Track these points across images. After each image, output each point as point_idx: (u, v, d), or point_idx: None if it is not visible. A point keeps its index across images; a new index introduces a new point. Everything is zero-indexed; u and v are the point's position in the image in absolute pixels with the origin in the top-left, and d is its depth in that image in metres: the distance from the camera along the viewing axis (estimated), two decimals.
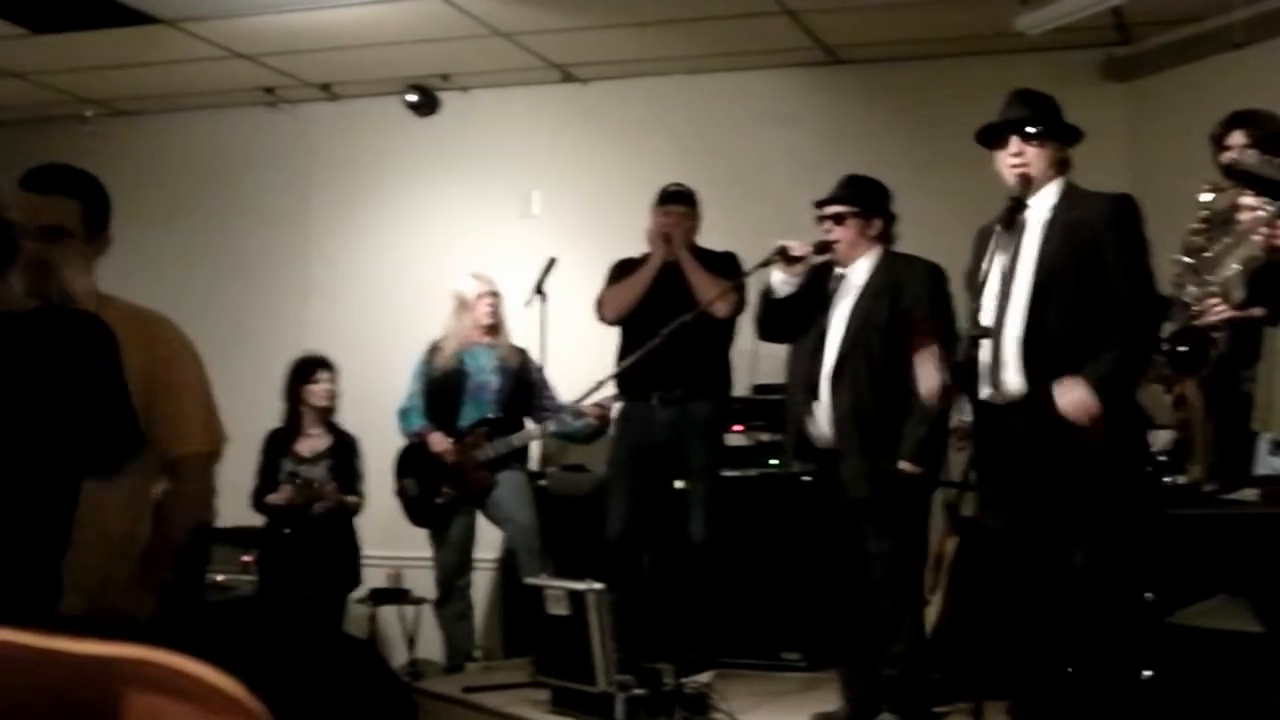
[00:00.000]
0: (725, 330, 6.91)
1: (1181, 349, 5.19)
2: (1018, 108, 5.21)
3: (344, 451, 8.04)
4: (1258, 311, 4.80)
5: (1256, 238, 4.53)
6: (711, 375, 6.94)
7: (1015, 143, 5.12)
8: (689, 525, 6.85)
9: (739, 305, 6.69)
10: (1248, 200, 4.59)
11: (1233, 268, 4.57)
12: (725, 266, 6.93)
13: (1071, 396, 4.82)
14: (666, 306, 6.65)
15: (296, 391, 8.04)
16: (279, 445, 7.99)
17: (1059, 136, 5.17)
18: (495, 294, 7.82)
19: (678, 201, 7.14)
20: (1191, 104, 7.30)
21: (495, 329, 7.79)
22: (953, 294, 5.92)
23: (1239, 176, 4.23)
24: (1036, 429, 4.92)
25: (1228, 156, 4.22)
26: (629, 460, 7.08)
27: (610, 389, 6.79)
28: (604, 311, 7.16)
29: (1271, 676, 4.72)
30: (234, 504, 7.36)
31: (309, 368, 8.05)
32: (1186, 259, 4.66)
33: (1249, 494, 4.96)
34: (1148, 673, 5.24)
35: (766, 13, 7.89)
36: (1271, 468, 4.77)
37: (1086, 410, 4.80)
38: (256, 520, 7.91)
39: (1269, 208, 4.43)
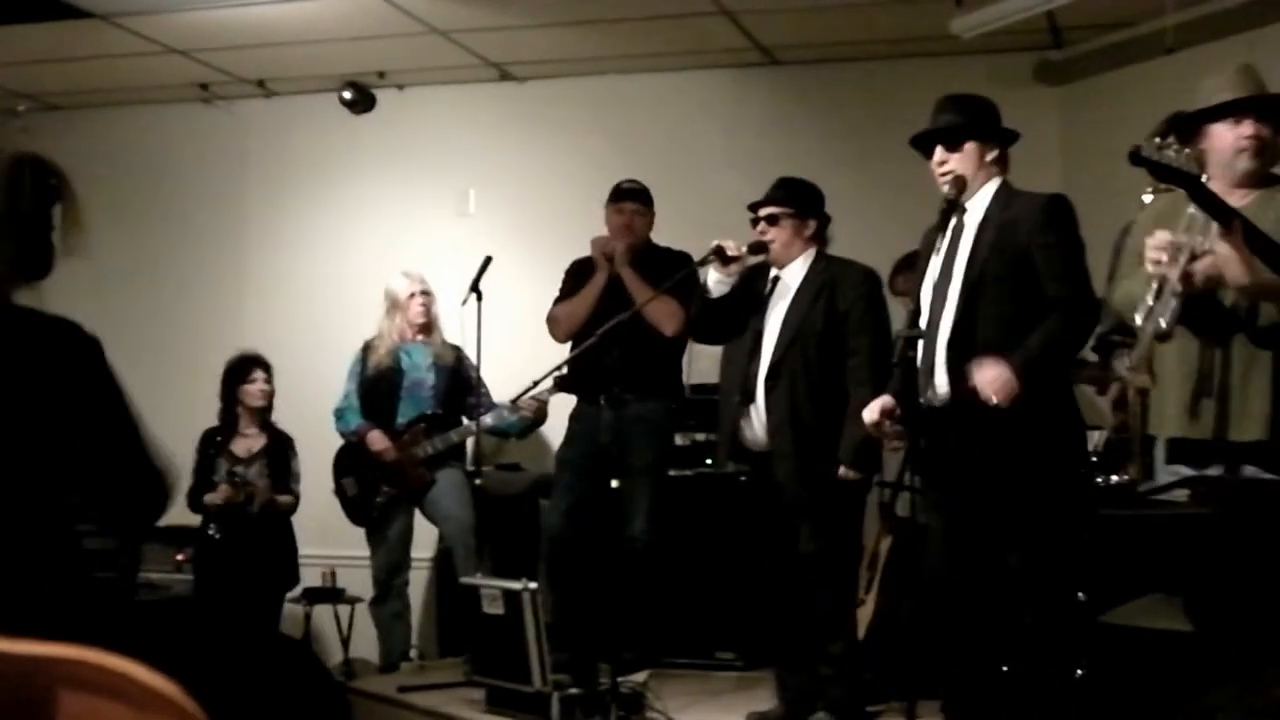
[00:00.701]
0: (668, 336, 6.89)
1: (1115, 343, 5.25)
2: (940, 115, 5.25)
3: (279, 451, 8.00)
4: None
5: (1171, 274, 4.57)
6: (660, 377, 6.92)
7: (939, 151, 5.15)
8: (632, 526, 6.84)
9: (685, 321, 6.61)
10: (1150, 243, 4.61)
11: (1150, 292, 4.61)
12: (680, 268, 6.93)
13: (988, 374, 4.78)
14: (615, 312, 6.67)
15: (232, 391, 8.00)
16: (214, 445, 7.94)
17: (987, 138, 5.19)
18: (427, 292, 7.80)
19: (631, 199, 7.13)
20: (1124, 107, 7.37)
21: (428, 327, 7.77)
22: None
23: (1141, 164, 4.28)
24: (970, 430, 4.95)
25: (1137, 148, 4.26)
26: (575, 460, 7.08)
27: (547, 385, 6.79)
28: (556, 331, 7.13)
29: (1201, 675, 4.76)
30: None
31: (245, 367, 8.01)
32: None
33: (1180, 494, 5.00)
34: (1080, 671, 5.28)
35: (703, 13, 7.90)
36: (1171, 473, 4.81)
37: (1003, 388, 4.77)
38: (191, 519, 7.86)
39: (1165, 253, 4.46)
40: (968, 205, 5.12)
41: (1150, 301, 4.41)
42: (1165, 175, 4.29)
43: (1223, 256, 4.13)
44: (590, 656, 6.33)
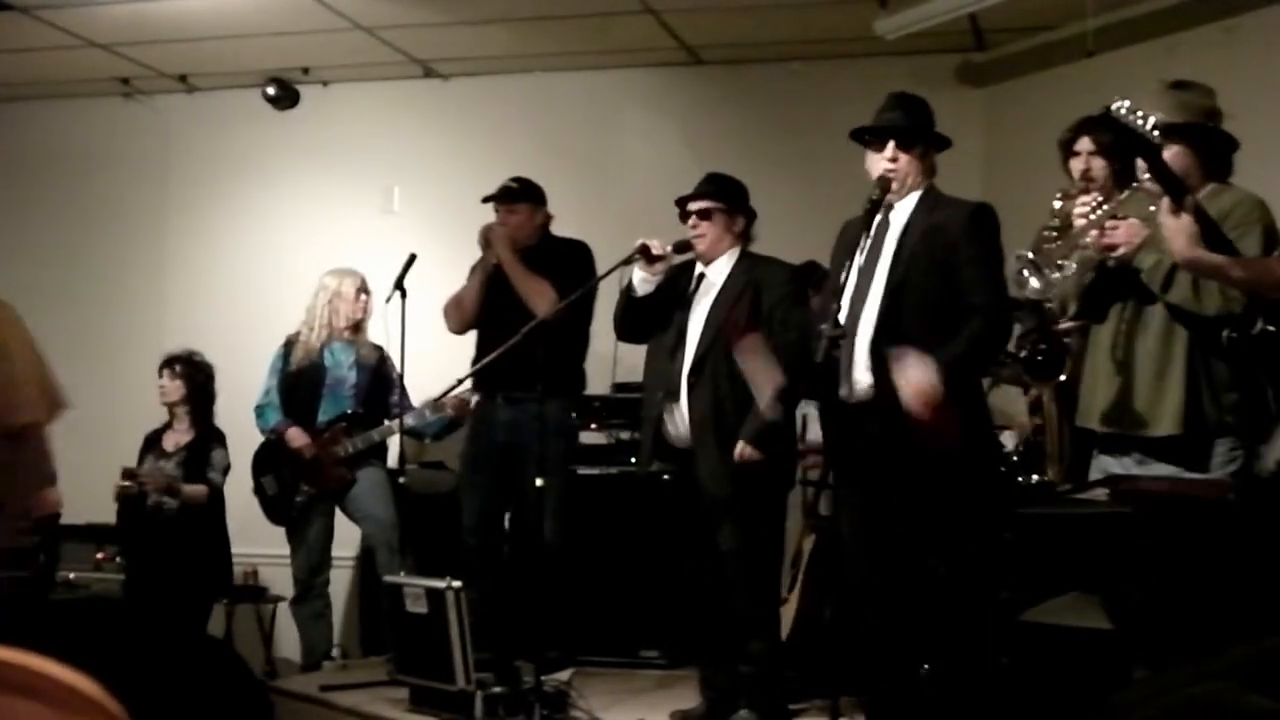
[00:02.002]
0: (574, 328, 6.85)
1: (1040, 354, 5.29)
2: (897, 113, 5.25)
3: (201, 444, 7.97)
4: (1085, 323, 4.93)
5: (1089, 239, 4.63)
6: (560, 374, 6.86)
7: (892, 148, 5.16)
8: (541, 527, 6.81)
9: (565, 306, 6.52)
10: (1082, 201, 4.69)
11: (1070, 268, 4.66)
12: (572, 256, 6.93)
13: (913, 376, 4.80)
14: (513, 305, 6.73)
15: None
16: (151, 443, 7.98)
17: (931, 143, 5.23)
18: (369, 291, 7.77)
19: (502, 201, 7.11)
20: (1045, 109, 7.43)
21: (358, 325, 7.75)
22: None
23: (1107, 124, 4.32)
24: (888, 429, 4.97)
25: (1109, 106, 4.31)
26: (475, 459, 7.10)
27: (470, 384, 6.79)
28: (448, 324, 7.17)
29: (1120, 672, 4.81)
30: (87, 501, 7.29)
31: (162, 366, 8.02)
32: (1030, 255, 4.74)
33: (1100, 493, 5.05)
34: (1000, 669, 5.32)
35: (628, 12, 7.91)
36: (1099, 469, 4.87)
37: (926, 396, 4.82)
38: (110, 517, 7.83)
39: (1099, 210, 4.54)
40: (896, 205, 5.15)
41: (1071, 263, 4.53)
42: (1127, 141, 4.32)
43: (1171, 228, 4.17)
44: (512, 655, 6.32)
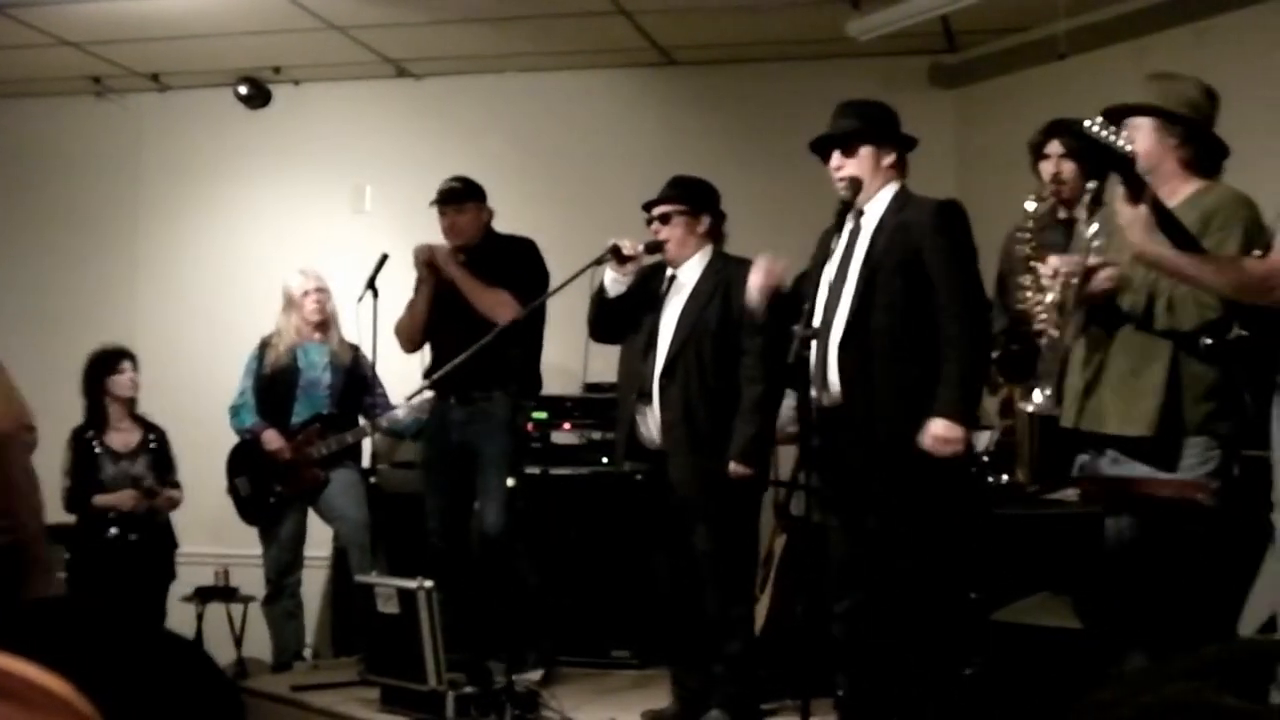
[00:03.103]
0: (527, 329, 6.72)
1: (1013, 354, 5.31)
2: (838, 120, 5.29)
3: (159, 443, 7.91)
4: None
5: (1065, 291, 4.66)
6: (507, 373, 6.81)
7: (836, 156, 5.20)
8: (484, 520, 6.77)
9: (531, 310, 6.44)
10: (1050, 261, 4.72)
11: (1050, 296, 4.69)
12: (521, 255, 6.92)
13: (940, 434, 4.92)
14: (462, 312, 6.73)
15: (100, 384, 7.85)
16: (90, 442, 7.82)
17: (883, 143, 5.23)
18: (322, 289, 7.74)
19: (446, 202, 7.06)
20: (1017, 112, 7.45)
21: (324, 325, 7.72)
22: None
23: (1079, 138, 4.33)
24: (860, 430, 4.99)
25: (1081, 122, 4.31)
26: (432, 460, 7.09)
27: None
28: (401, 346, 7.16)
29: (1091, 672, 4.83)
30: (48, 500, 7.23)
31: (112, 359, 7.88)
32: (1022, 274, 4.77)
33: (1070, 494, 5.08)
34: (972, 669, 5.34)
35: (602, 13, 7.90)
36: (1079, 466, 4.88)
37: (949, 443, 4.90)
38: (64, 518, 7.77)
39: (1067, 267, 4.57)
40: (865, 209, 5.16)
41: (1053, 331, 4.55)
42: (1099, 154, 4.33)
43: (1127, 216, 4.18)
44: (484, 655, 6.31)
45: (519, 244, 6.99)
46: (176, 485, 7.91)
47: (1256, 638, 4.35)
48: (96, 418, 7.85)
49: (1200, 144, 4.69)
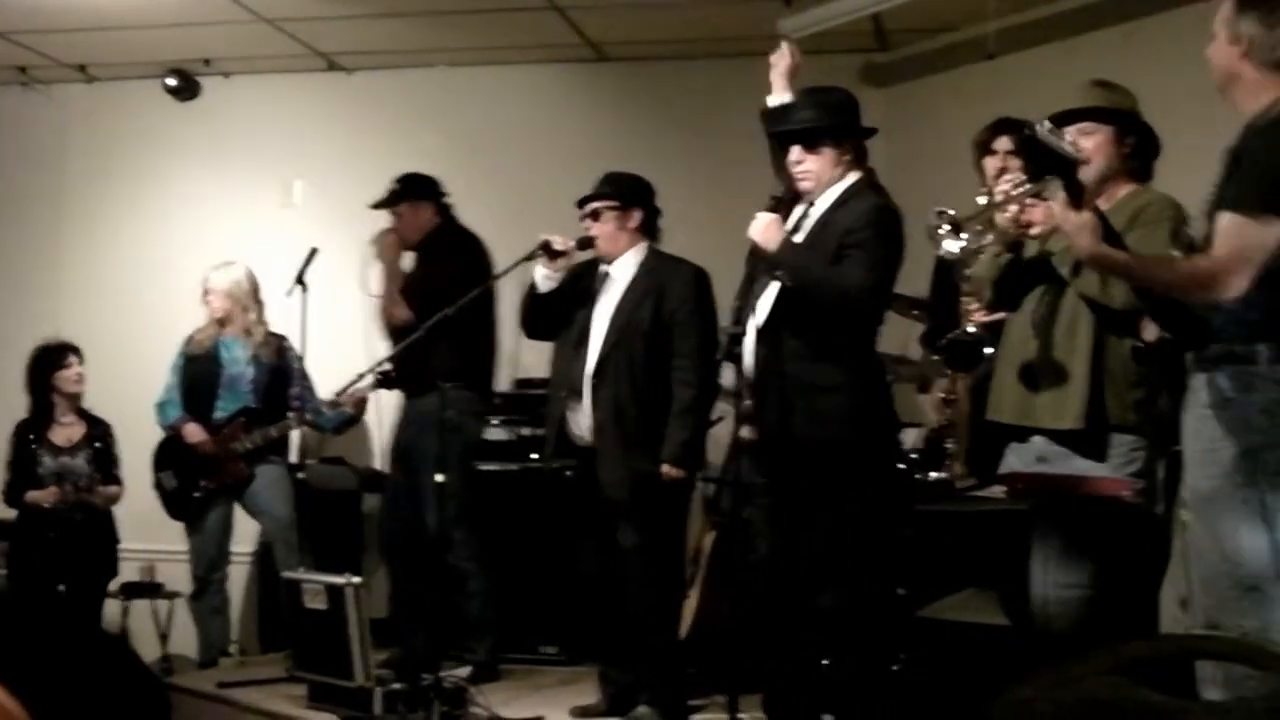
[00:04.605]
0: (475, 325, 6.74)
1: (959, 344, 5.34)
2: (799, 111, 5.26)
3: (101, 438, 7.89)
4: (1003, 315, 4.96)
5: (1008, 212, 4.66)
6: (450, 369, 6.78)
7: (796, 151, 5.18)
8: (425, 519, 6.75)
9: (461, 305, 6.40)
10: (1006, 178, 4.74)
11: (988, 241, 4.70)
12: (467, 251, 6.94)
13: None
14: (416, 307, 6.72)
15: (45, 379, 7.83)
16: (32, 436, 7.78)
17: (843, 138, 5.23)
18: (251, 283, 7.69)
19: (394, 204, 7.10)
20: (946, 110, 7.51)
21: (225, 321, 7.66)
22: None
23: (1032, 143, 4.35)
24: (785, 424, 5.00)
25: (1032, 126, 4.33)
26: (392, 457, 7.12)
27: (369, 381, 6.76)
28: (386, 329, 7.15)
29: (1016, 668, 4.86)
30: None
31: (58, 354, 7.85)
32: (951, 212, 4.75)
33: (997, 491, 5.11)
34: (898, 665, 5.36)
35: (533, 8, 7.90)
36: (1008, 460, 4.91)
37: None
38: (7, 512, 7.73)
39: (1022, 187, 4.58)
40: (817, 200, 5.16)
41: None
42: (1043, 158, 4.35)
43: (1075, 224, 4.20)
44: (433, 652, 6.29)
45: (463, 239, 7.00)
46: (118, 481, 7.88)
47: (1178, 634, 4.40)
48: (41, 412, 7.85)
49: (1144, 152, 4.77)
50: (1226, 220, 3.78)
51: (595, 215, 6.02)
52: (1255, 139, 3.85)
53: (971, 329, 5.44)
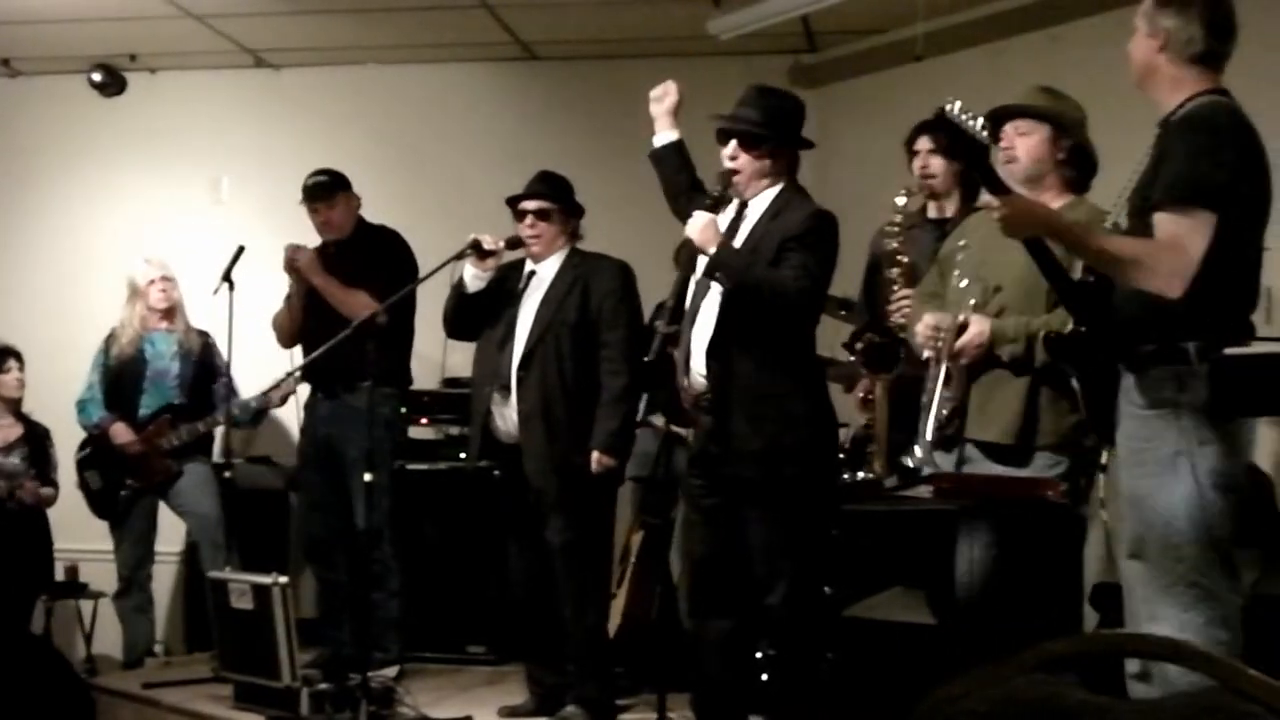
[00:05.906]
0: (396, 323, 6.54)
1: (875, 347, 5.37)
2: (746, 107, 5.25)
3: (38, 441, 7.89)
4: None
5: (928, 352, 4.76)
6: (382, 368, 6.73)
7: (732, 146, 5.16)
8: (354, 517, 6.72)
9: (388, 306, 6.23)
10: (919, 330, 4.80)
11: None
12: (389, 247, 6.91)
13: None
14: (335, 311, 6.67)
15: None
16: None
17: (782, 144, 5.22)
18: (168, 278, 7.65)
19: (313, 199, 7.02)
20: (874, 111, 7.55)
21: (171, 314, 7.62)
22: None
23: (942, 125, 4.36)
24: (722, 423, 5.00)
25: (942, 106, 4.32)
26: (306, 454, 7.05)
27: (295, 378, 6.74)
28: (279, 341, 7.08)
29: (942, 666, 4.89)
30: None
31: None
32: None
33: (924, 490, 5.13)
34: (825, 663, 5.38)
35: (463, 6, 7.89)
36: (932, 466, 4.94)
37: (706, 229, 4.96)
38: None
39: (940, 340, 4.66)
40: (751, 203, 5.16)
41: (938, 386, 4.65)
42: (957, 139, 4.36)
43: (1020, 206, 4.19)
44: (360, 651, 6.25)
45: (387, 235, 6.98)
46: (53, 484, 7.87)
47: (1107, 631, 4.44)
48: None
49: (1081, 163, 4.81)
50: (1160, 219, 3.82)
51: (543, 215, 6.02)
52: (1174, 138, 3.89)
53: (888, 330, 5.48)
